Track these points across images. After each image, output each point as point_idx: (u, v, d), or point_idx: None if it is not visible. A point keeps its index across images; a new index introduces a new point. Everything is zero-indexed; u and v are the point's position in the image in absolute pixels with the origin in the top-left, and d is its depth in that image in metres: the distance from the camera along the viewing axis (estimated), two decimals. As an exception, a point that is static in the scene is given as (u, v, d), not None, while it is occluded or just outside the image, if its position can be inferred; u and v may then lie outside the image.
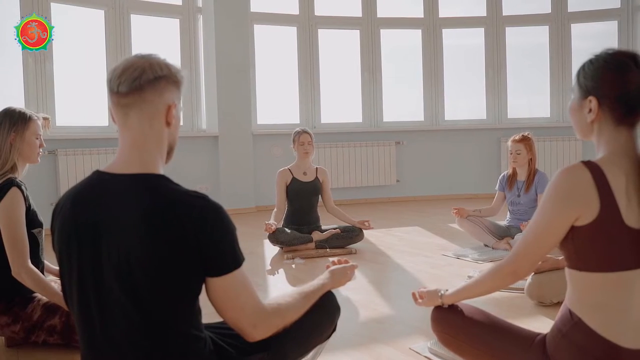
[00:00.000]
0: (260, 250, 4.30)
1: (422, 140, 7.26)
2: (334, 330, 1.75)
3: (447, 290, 1.74)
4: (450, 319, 1.72)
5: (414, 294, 1.83)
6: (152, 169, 1.36)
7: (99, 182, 1.38)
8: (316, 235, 4.18)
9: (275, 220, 4.17)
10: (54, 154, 5.50)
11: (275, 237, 4.09)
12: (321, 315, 1.65)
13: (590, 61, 1.50)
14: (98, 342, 1.34)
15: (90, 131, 5.70)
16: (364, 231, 4.31)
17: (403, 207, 6.53)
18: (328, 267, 1.82)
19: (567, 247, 1.46)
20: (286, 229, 4.17)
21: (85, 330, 1.36)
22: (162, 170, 1.40)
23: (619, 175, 1.40)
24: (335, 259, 1.85)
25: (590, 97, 1.46)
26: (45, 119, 4.98)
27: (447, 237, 4.59)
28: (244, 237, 4.77)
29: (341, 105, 7.36)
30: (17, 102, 5.43)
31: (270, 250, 4.23)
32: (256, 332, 1.40)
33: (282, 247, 4.15)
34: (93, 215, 1.33)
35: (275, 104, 7.12)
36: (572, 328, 1.46)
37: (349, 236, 4.21)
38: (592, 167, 1.41)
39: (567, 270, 1.49)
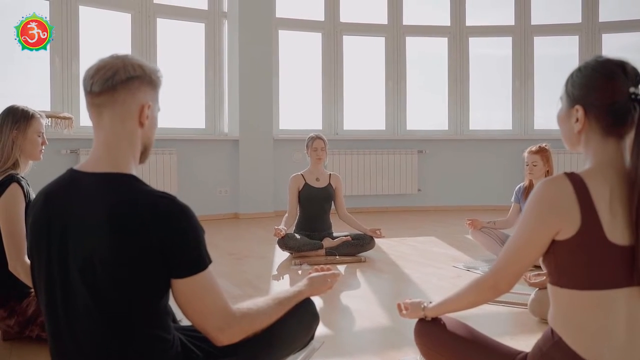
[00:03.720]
0: (270, 255, 4.29)
1: (445, 149, 7.17)
2: (312, 339, 1.73)
3: (430, 302, 1.69)
4: (432, 333, 1.67)
5: (399, 305, 1.78)
6: (122, 168, 1.36)
7: (70, 180, 1.39)
8: (327, 242, 4.15)
9: (285, 226, 4.16)
10: (76, 153, 5.61)
11: (284, 242, 4.07)
12: (297, 323, 1.63)
13: (579, 69, 1.44)
14: (63, 338, 1.35)
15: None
16: (376, 240, 4.26)
17: (423, 217, 6.45)
18: (310, 273, 1.79)
19: (549, 262, 1.40)
20: (296, 235, 4.15)
21: (51, 325, 1.37)
22: (134, 170, 1.40)
23: (603, 189, 1.33)
24: (318, 266, 1.83)
25: (577, 106, 1.41)
26: (68, 118, 5.10)
27: (462, 248, 4.51)
28: (259, 242, 4.82)
29: (364, 113, 7.33)
30: (43, 101, 5.59)
31: (281, 255, 4.22)
32: (223, 336, 1.39)
33: (291, 253, 4.13)
34: (62, 213, 1.34)
35: (298, 109, 7.13)
36: (552, 347, 1.40)
37: (359, 244, 4.17)
38: (575, 180, 1.35)
39: (549, 286, 1.43)
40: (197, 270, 1.32)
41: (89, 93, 1.37)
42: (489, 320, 2.71)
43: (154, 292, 1.32)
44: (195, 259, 1.33)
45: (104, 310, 1.29)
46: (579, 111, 1.40)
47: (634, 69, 1.37)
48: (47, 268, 1.35)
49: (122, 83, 1.35)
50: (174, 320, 1.68)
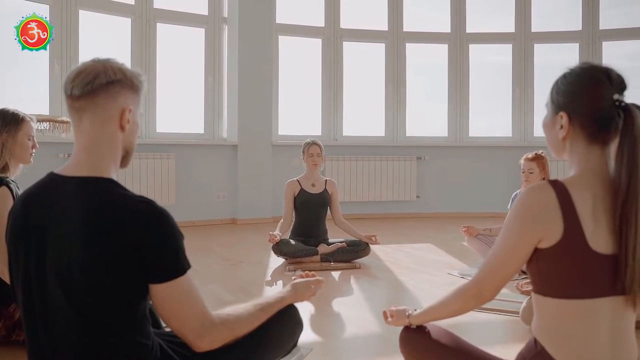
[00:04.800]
0: (266, 261, 4.28)
1: (444, 156, 7.16)
2: (295, 345, 1.71)
3: (415, 309, 1.67)
4: (416, 341, 1.65)
5: (384, 313, 1.77)
6: (102, 172, 1.36)
7: (50, 183, 1.38)
8: (322, 248, 4.13)
9: (281, 232, 4.15)
10: (73, 157, 5.60)
11: (279, 248, 4.06)
12: (279, 330, 1.61)
13: (564, 76, 1.43)
14: (41, 342, 1.34)
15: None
16: (372, 246, 4.25)
17: (422, 224, 6.42)
18: (294, 279, 1.78)
19: (532, 270, 1.38)
20: (291, 241, 4.14)
21: (29, 329, 1.37)
22: (114, 174, 1.39)
23: (586, 196, 1.32)
24: (303, 272, 1.81)
25: (562, 113, 1.39)
26: (66, 122, 5.09)
27: (458, 255, 4.48)
28: (255, 247, 4.80)
29: (364, 119, 7.33)
30: (42, 105, 5.60)
31: (276, 261, 4.21)
32: (202, 342, 1.38)
33: (286, 259, 4.12)
34: (40, 217, 1.34)
35: (298, 115, 7.13)
36: (535, 357, 1.38)
37: (354, 250, 4.15)
38: (558, 187, 1.33)
39: (532, 295, 1.42)
40: (175, 276, 1.31)
41: (69, 97, 1.37)
42: (480, 328, 2.69)
43: (131, 297, 1.31)
44: (173, 265, 1.32)
45: (80, 314, 1.28)
46: (563, 118, 1.38)
47: (619, 76, 1.36)
48: (24, 271, 1.34)
49: (102, 87, 1.35)
50: (158, 325, 1.67)
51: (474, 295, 1.47)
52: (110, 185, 1.34)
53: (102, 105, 1.35)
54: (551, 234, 1.31)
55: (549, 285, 1.35)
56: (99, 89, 1.34)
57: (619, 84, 1.35)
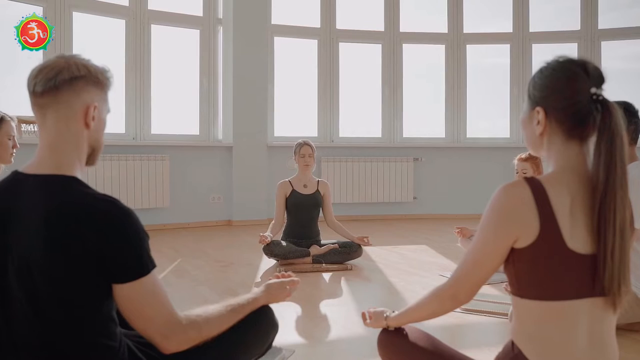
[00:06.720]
0: (257, 263, 4.25)
1: (442, 157, 7.11)
2: (269, 347, 1.67)
3: (393, 311, 1.64)
4: (394, 343, 1.62)
5: (363, 314, 1.73)
6: (65, 170, 1.33)
7: (13, 182, 1.36)
8: (314, 250, 4.09)
9: (272, 233, 4.11)
10: (66, 159, 5.58)
11: (270, 249, 4.02)
12: (252, 331, 1.58)
13: (540, 70, 1.39)
14: (2, 342, 1.32)
15: (106, 138, 5.76)
16: (365, 248, 4.21)
17: (418, 225, 6.38)
18: (269, 279, 1.75)
19: (509, 271, 1.34)
20: (282, 242, 4.10)
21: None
22: (78, 172, 1.36)
23: (563, 194, 1.28)
24: (279, 273, 1.78)
25: (538, 108, 1.35)
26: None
27: (451, 257, 4.44)
28: (248, 249, 4.76)
29: (360, 120, 7.29)
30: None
31: (268, 263, 4.17)
32: (168, 343, 1.35)
33: (278, 260, 4.08)
34: (2, 215, 1.31)
35: (294, 116, 7.10)
36: (512, 361, 1.34)
37: (346, 252, 4.11)
38: (534, 185, 1.29)
39: (511, 297, 1.38)
40: (139, 276, 1.29)
41: (32, 93, 1.34)
42: (469, 330, 2.65)
43: (93, 297, 1.28)
44: (137, 263, 1.29)
45: (41, 314, 1.26)
46: (539, 113, 1.35)
47: (596, 69, 1.32)
48: (-15, 271, 1.31)
49: (65, 83, 1.32)
50: (128, 326, 1.63)
51: (449, 298, 1.44)
52: (72, 184, 1.31)
53: (65, 102, 1.32)
54: (527, 233, 1.27)
55: (526, 287, 1.31)
56: (62, 85, 1.31)
57: (597, 78, 1.31)
